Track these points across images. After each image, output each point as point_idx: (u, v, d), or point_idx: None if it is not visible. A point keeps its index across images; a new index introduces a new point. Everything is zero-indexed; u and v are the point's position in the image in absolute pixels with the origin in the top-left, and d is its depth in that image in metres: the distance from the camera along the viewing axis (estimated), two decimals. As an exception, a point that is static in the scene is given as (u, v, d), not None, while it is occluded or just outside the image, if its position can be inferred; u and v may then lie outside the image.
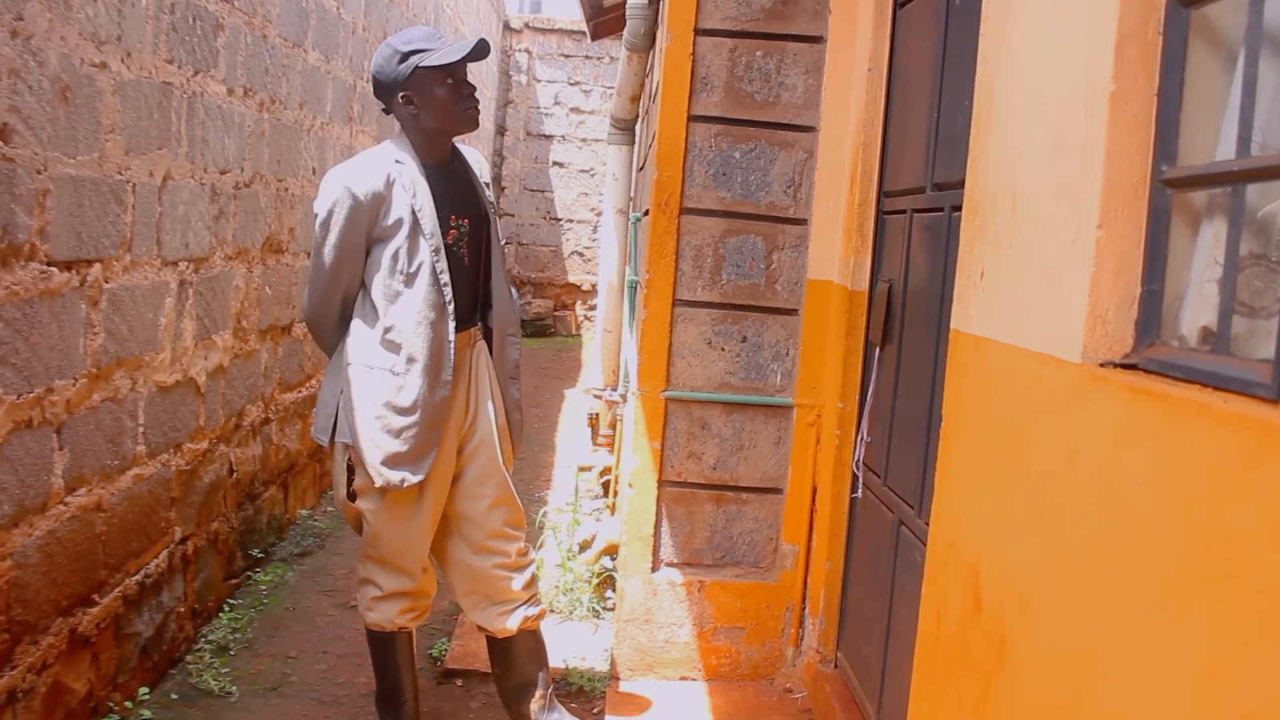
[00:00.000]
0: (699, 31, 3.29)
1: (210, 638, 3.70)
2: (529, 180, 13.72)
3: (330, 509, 5.36)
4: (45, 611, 2.67)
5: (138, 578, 3.19)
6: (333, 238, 2.71)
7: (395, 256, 2.71)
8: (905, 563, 2.58)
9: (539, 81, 13.75)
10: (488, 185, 3.00)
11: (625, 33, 4.89)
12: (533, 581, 2.98)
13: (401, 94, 2.75)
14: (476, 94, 2.84)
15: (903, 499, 2.64)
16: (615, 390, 5.77)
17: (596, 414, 6.16)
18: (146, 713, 3.14)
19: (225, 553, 3.99)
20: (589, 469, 5.70)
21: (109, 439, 2.97)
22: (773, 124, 3.33)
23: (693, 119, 3.32)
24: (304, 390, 5.07)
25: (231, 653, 3.63)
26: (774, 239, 3.36)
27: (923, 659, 1.98)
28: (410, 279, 2.72)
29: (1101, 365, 1.35)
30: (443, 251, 2.75)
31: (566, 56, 13.73)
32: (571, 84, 13.74)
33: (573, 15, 13.18)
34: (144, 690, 3.22)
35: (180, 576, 3.54)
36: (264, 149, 4.21)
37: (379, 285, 2.74)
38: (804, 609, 3.44)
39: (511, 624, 2.93)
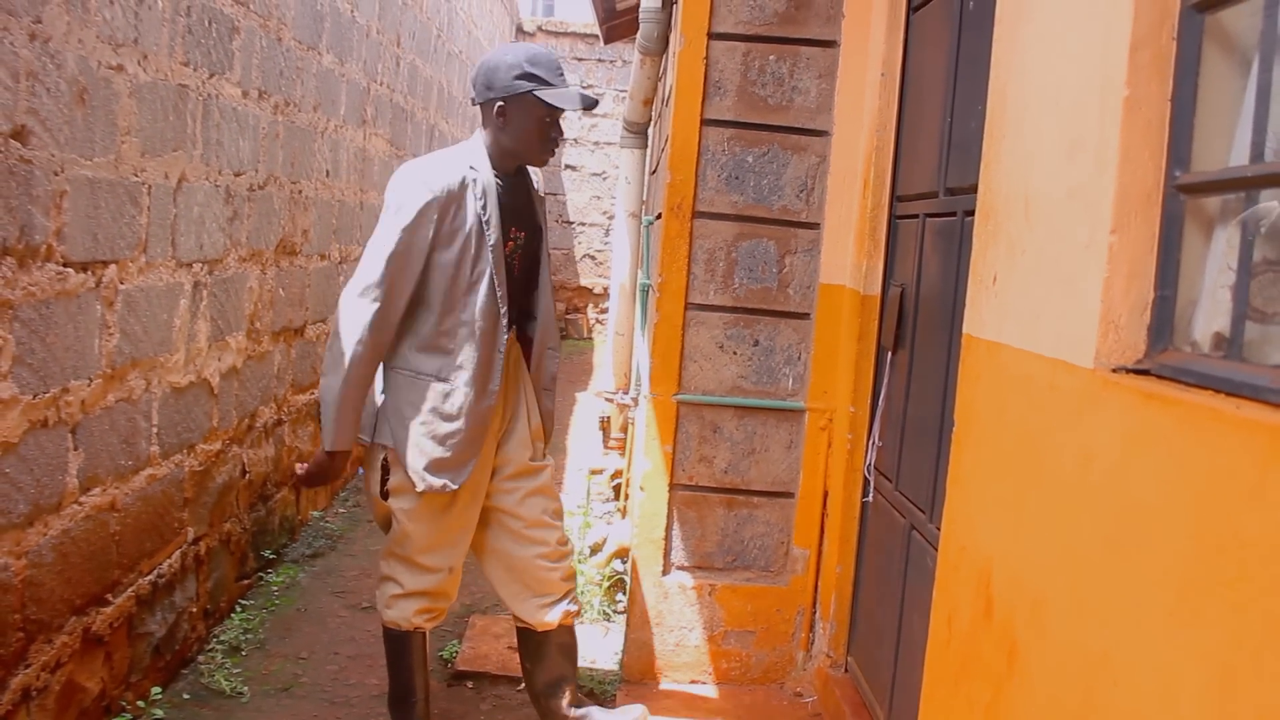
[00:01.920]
0: (712, 35, 3.30)
1: (222, 638, 3.71)
2: (541, 184, 13.75)
3: (342, 510, 5.38)
4: (59, 610, 2.69)
5: (151, 577, 3.21)
6: (403, 233, 2.65)
7: (458, 263, 2.71)
8: (916, 567, 2.58)
9: (552, 85, 13.74)
10: (542, 199, 3.03)
11: (639, 36, 4.90)
12: (572, 574, 3.01)
13: (500, 104, 2.76)
14: (561, 139, 2.87)
15: (914, 503, 2.64)
16: (627, 393, 5.78)
17: (608, 417, 6.17)
18: (159, 712, 3.15)
19: (237, 553, 4.01)
20: (600, 472, 5.71)
21: (123, 439, 2.98)
22: (785, 128, 3.33)
23: (706, 123, 3.33)
24: (316, 392, 5.08)
25: (243, 653, 3.65)
26: (786, 243, 3.36)
27: (933, 663, 1.97)
28: (470, 287, 2.72)
29: (1114, 371, 1.35)
30: (502, 262, 2.77)
31: (579, 60, 13.75)
32: (584, 87, 13.74)
33: (585, 18, 13.21)
34: (156, 690, 3.24)
35: (193, 577, 3.55)
36: (278, 151, 4.23)
37: (436, 290, 2.72)
38: (815, 613, 3.44)
39: (553, 617, 2.95)
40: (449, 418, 2.73)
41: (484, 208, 2.72)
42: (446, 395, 2.73)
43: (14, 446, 2.44)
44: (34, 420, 2.52)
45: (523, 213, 2.89)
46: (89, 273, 2.73)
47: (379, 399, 2.82)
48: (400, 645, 2.94)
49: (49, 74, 2.48)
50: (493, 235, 2.73)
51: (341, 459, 2.75)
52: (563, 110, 2.77)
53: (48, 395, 2.57)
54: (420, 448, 2.73)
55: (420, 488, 2.73)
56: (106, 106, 2.76)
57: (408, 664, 2.94)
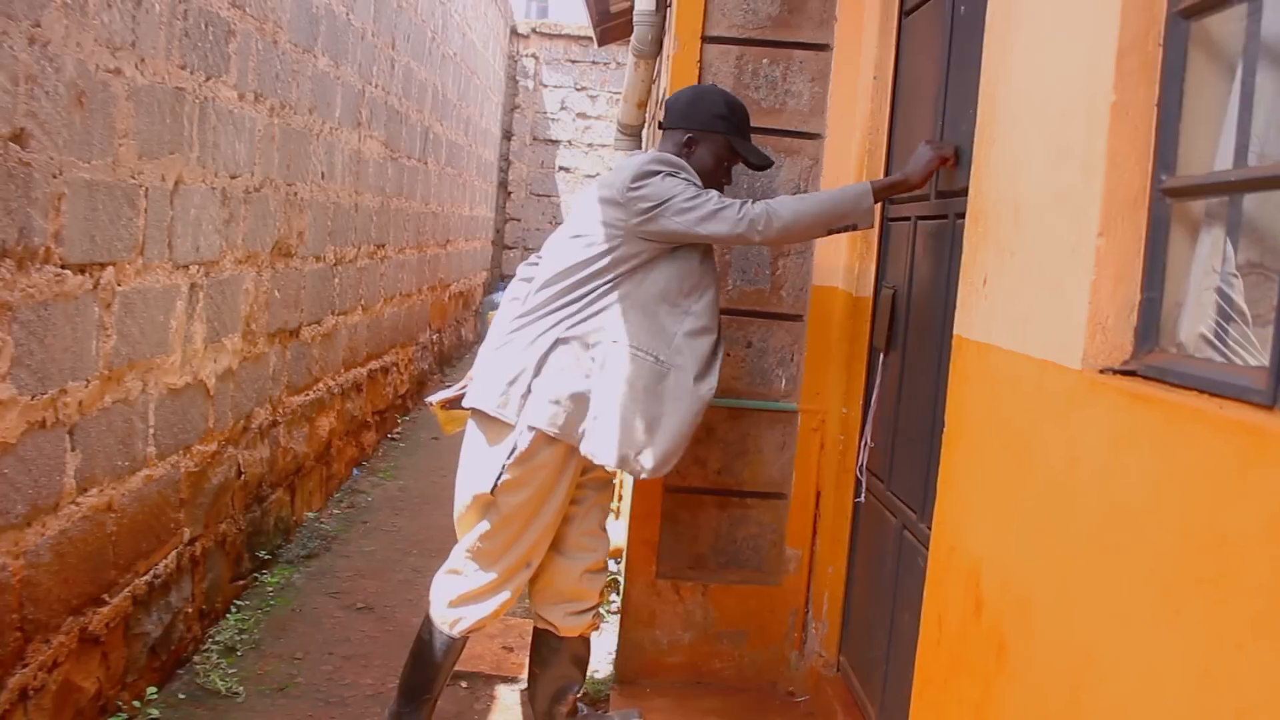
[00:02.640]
0: (706, 39, 3.32)
1: (217, 638, 3.72)
2: (535, 185, 13.76)
3: (337, 511, 5.39)
4: (56, 610, 2.70)
5: (147, 578, 3.22)
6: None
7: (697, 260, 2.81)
8: (907, 567, 2.60)
9: (545, 87, 13.79)
10: None
11: (633, 39, 4.93)
12: (605, 589, 3.03)
13: (691, 135, 2.86)
14: (729, 185, 2.98)
15: (905, 504, 2.66)
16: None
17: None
18: (154, 712, 3.17)
19: (232, 554, 4.02)
20: (594, 473, 5.71)
21: (120, 440, 3.00)
22: (779, 131, 3.35)
23: (699, 126, 3.34)
24: (311, 394, 5.10)
25: (238, 653, 3.66)
26: (780, 245, 3.38)
27: (924, 662, 2.00)
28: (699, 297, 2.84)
29: (1101, 371, 1.38)
30: None
31: (573, 62, 13.78)
32: (578, 89, 13.78)
33: (579, 21, 13.24)
34: (152, 690, 3.25)
35: (188, 577, 3.57)
36: (274, 153, 4.24)
37: (675, 289, 2.77)
38: (807, 613, 3.46)
39: (579, 625, 2.97)
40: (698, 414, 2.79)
41: None
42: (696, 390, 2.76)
43: (12, 447, 2.45)
44: (32, 421, 2.53)
45: None
46: (87, 274, 2.75)
47: (533, 379, 2.74)
48: (441, 647, 2.90)
49: (48, 77, 2.49)
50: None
51: (901, 183, 2.64)
52: (739, 159, 2.89)
53: (46, 396, 2.59)
54: (676, 436, 2.73)
55: (647, 474, 2.72)
56: (104, 109, 2.77)
57: (438, 665, 2.92)
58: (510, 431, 2.74)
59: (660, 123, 2.95)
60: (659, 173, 2.72)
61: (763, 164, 2.89)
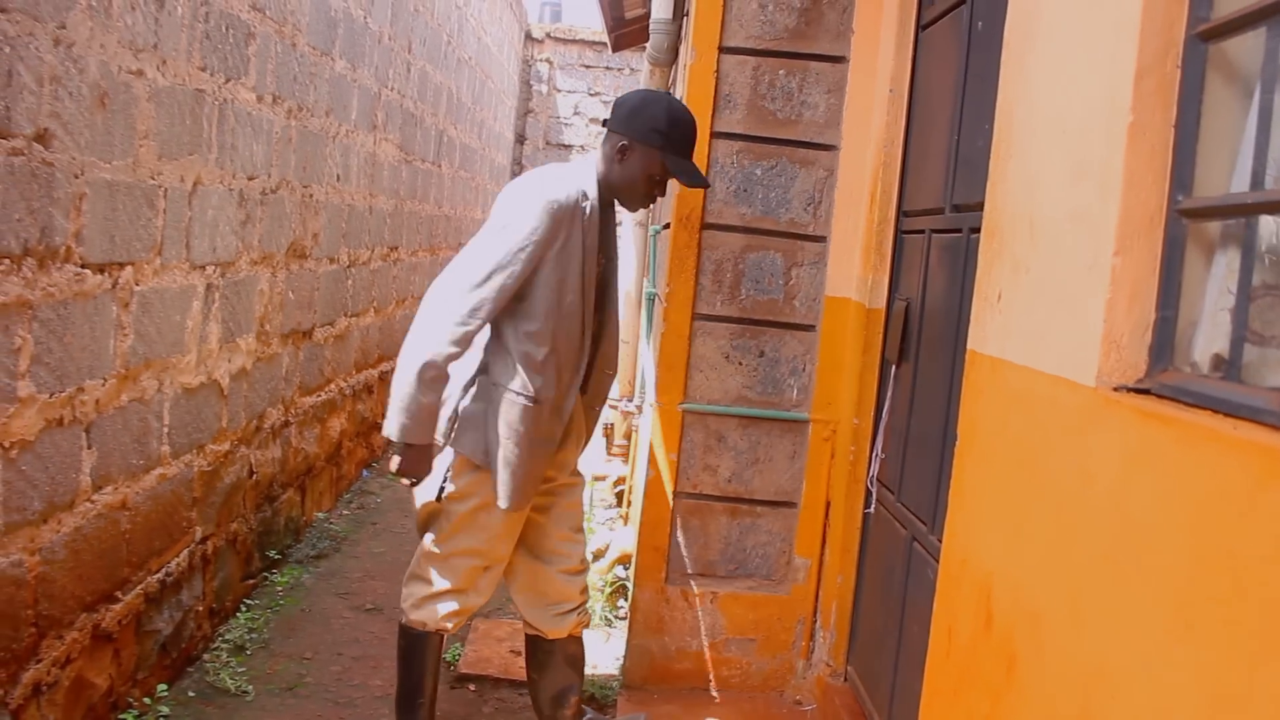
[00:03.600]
0: (723, 49, 3.33)
1: (227, 637, 3.74)
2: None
3: (346, 512, 5.41)
4: (70, 607, 2.72)
5: (159, 576, 3.24)
6: (517, 250, 2.64)
7: (560, 286, 2.71)
8: (917, 579, 2.61)
9: (559, 91, 13.82)
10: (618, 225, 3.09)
11: (648, 47, 4.94)
12: (587, 587, 3.05)
13: (625, 143, 2.79)
14: (660, 198, 2.95)
15: (916, 515, 2.67)
16: (631, 401, 5.82)
17: (612, 424, 6.21)
18: (164, 709, 3.18)
19: (243, 553, 4.04)
20: (603, 478, 5.74)
21: (135, 439, 3.02)
22: (794, 142, 3.37)
23: (715, 135, 3.36)
24: (323, 394, 5.12)
25: (248, 652, 3.68)
26: (793, 255, 3.39)
27: (933, 674, 2.00)
28: (567, 312, 2.75)
29: (1115, 389, 1.38)
30: (593, 289, 2.81)
31: (587, 67, 13.81)
32: (592, 94, 13.81)
33: (594, 26, 13.27)
34: (162, 687, 3.27)
35: (200, 576, 3.59)
36: (290, 155, 4.27)
37: (540, 311, 2.72)
38: (815, 622, 3.46)
39: (565, 626, 2.99)
40: (543, 440, 2.78)
41: (585, 234, 2.75)
42: (542, 418, 2.76)
43: (30, 444, 2.48)
44: (50, 419, 2.55)
45: (607, 241, 2.93)
46: (106, 274, 2.77)
47: (459, 403, 2.80)
48: (418, 646, 2.95)
49: (71, 78, 2.52)
50: (590, 261, 2.77)
51: (423, 450, 2.71)
52: (671, 176, 2.83)
53: (64, 394, 2.61)
54: (514, 467, 2.75)
55: (507, 507, 2.76)
56: (126, 110, 2.80)
57: (421, 665, 2.96)
58: (448, 450, 2.83)
59: (604, 120, 2.92)
60: (539, 210, 2.66)
61: (694, 184, 2.85)
